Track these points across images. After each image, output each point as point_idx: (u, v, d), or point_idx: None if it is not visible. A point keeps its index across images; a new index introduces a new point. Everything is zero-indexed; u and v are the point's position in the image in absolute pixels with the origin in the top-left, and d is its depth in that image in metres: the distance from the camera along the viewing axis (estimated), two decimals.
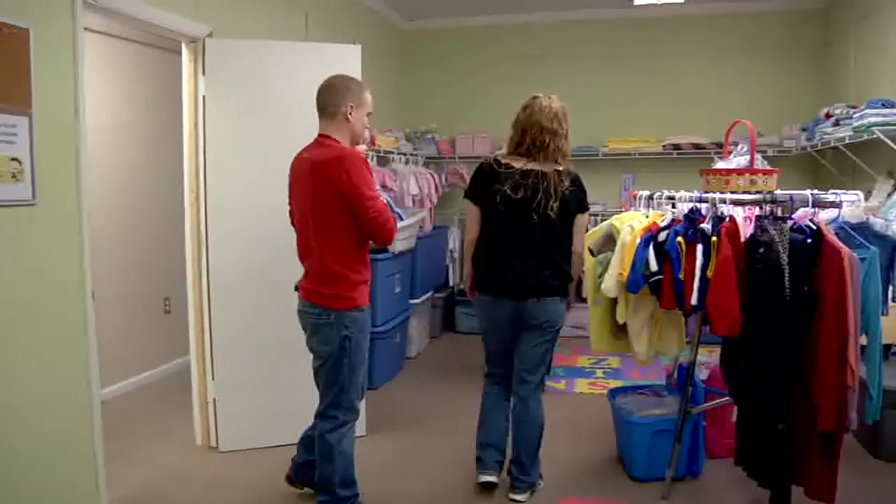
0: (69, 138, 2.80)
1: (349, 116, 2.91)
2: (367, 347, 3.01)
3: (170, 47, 4.80)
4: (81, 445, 2.91)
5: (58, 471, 2.78)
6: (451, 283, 6.72)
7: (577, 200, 3.14)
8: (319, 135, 2.93)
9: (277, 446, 3.86)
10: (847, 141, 4.84)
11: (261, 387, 3.84)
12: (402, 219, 5.01)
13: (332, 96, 2.91)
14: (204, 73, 3.67)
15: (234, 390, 3.81)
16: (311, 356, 3.01)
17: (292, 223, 3.07)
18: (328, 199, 2.77)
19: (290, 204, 3.05)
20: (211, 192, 3.71)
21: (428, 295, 6.18)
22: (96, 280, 3.03)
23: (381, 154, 5.77)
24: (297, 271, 3.77)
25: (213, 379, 3.83)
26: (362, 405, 3.98)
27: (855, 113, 4.71)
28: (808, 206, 2.85)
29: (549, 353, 3.35)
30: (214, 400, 3.83)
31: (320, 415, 2.99)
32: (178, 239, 3.99)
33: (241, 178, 3.74)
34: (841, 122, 4.97)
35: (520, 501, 3.25)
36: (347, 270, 2.84)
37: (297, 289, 3.02)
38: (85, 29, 2.96)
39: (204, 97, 3.68)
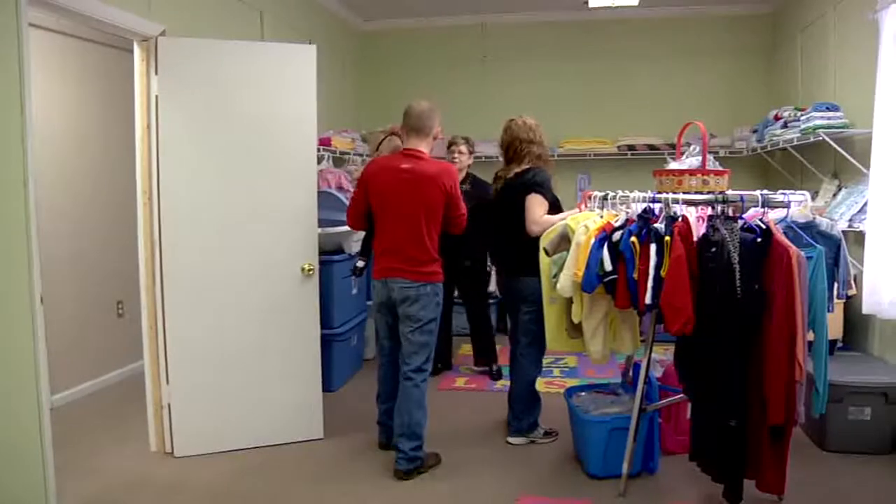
0: (14, 138, 2.72)
1: (435, 136, 3.67)
2: None
3: (122, 45, 4.71)
4: (29, 455, 2.82)
5: (3, 483, 2.69)
6: None
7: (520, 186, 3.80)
8: (413, 150, 3.58)
9: (234, 451, 3.82)
10: (795, 142, 4.96)
11: (217, 390, 3.80)
12: None
13: (428, 119, 3.60)
14: (157, 73, 3.61)
15: (189, 394, 3.76)
16: (384, 330, 3.73)
17: (355, 220, 3.76)
18: (438, 201, 3.54)
19: (362, 203, 3.66)
20: (164, 193, 3.65)
21: None
22: (45, 283, 2.96)
23: (338, 155, 5.73)
24: (255, 271, 3.78)
25: (167, 383, 3.77)
26: (319, 409, 4.00)
27: (802, 115, 4.83)
28: (758, 206, 2.90)
29: (535, 323, 3.78)
30: (169, 405, 3.77)
31: (414, 370, 3.58)
32: (130, 241, 3.91)
33: (195, 179, 3.69)
34: (789, 124, 5.09)
35: (513, 443, 3.96)
36: (437, 254, 3.60)
37: (358, 273, 3.84)
38: (30, 25, 2.88)
39: (157, 97, 3.62)
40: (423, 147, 3.60)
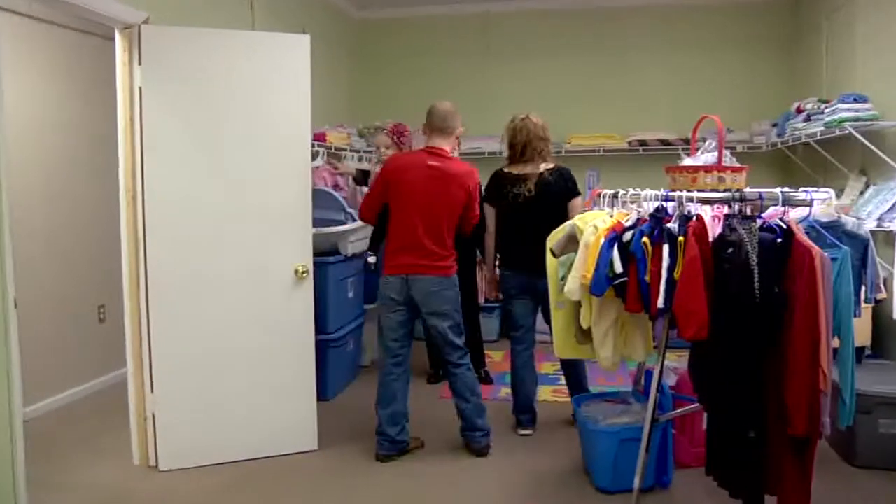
0: None
1: (457, 136, 4.01)
2: None
3: (102, 33, 4.69)
4: (0, 470, 2.80)
5: None
6: None
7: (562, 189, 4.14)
8: (437, 148, 3.86)
9: (223, 464, 3.80)
10: (818, 137, 4.92)
11: (205, 399, 3.78)
12: (354, 220, 5.00)
13: (452, 119, 3.91)
14: (140, 63, 3.59)
15: (175, 404, 3.74)
16: (394, 329, 3.89)
17: (371, 214, 3.95)
18: (460, 200, 3.84)
19: (381, 197, 3.86)
20: (149, 191, 3.64)
21: None
22: (20, 286, 2.94)
23: (333, 151, 5.72)
24: (245, 274, 3.77)
25: (152, 392, 3.75)
26: (314, 418, 3.98)
27: (826, 108, 4.79)
28: (778, 204, 2.86)
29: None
30: (153, 415, 3.76)
31: (460, 358, 3.94)
32: (113, 242, 3.90)
33: (181, 175, 3.68)
34: (812, 118, 5.05)
35: (529, 434, 4.23)
36: (454, 250, 3.90)
37: (374, 269, 4.07)
38: (1, 9, 2.86)
39: (140, 89, 3.60)
40: (447, 146, 3.89)
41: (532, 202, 4.08)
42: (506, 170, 4.20)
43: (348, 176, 5.59)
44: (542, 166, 4.13)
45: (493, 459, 3.91)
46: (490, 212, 4.31)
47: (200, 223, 3.72)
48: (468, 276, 5.35)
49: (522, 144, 4.14)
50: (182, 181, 3.68)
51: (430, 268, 3.79)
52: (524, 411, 4.26)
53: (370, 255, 3.92)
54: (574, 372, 4.24)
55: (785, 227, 2.78)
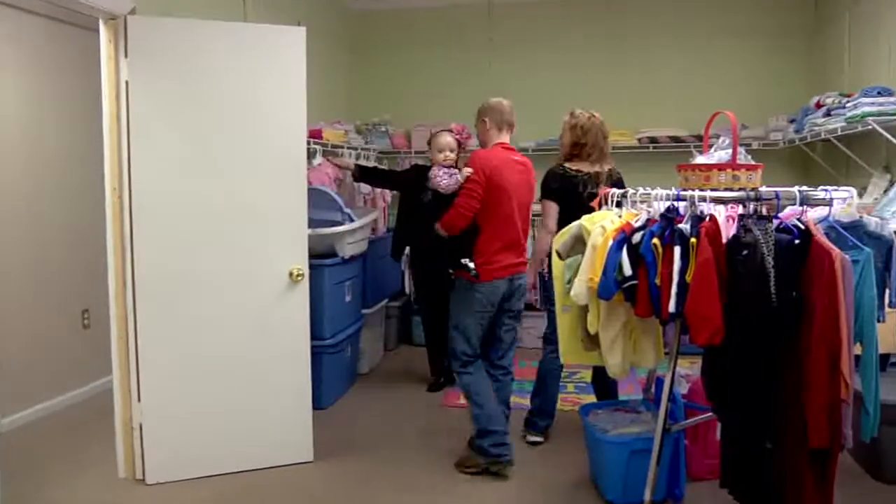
0: None
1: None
2: None
3: (86, 24, 4.67)
4: None
5: None
6: (407, 291, 6.67)
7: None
8: (508, 144, 4.02)
9: (214, 476, 3.79)
10: (839, 133, 4.89)
11: (195, 409, 3.78)
12: (352, 220, 5.01)
13: (514, 115, 4.05)
14: (126, 56, 3.58)
15: (163, 414, 3.73)
16: (480, 335, 3.94)
17: (474, 215, 3.85)
18: (534, 195, 4.08)
19: (483, 193, 3.82)
20: (136, 189, 3.63)
21: (382, 304, 6.16)
22: None
23: (329, 149, 5.71)
24: (237, 277, 3.77)
25: (139, 401, 3.74)
26: (309, 428, 3.96)
27: (848, 102, 4.75)
28: (795, 204, 2.84)
29: None
30: (141, 425, 3.75)
31: (510, 366, 4.11)
32: (98, 243, 3.87)
33: (170, 173, 3.67)
34: (833, 112, 5.02)
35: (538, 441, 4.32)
36: None
37: (474, 271, 3.84)
38: None
39: (127, 83, 3.59)
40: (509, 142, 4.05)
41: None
42: (571, 168, 4.20)
43: (346, 171, 5.55)
44: (607, 166, 4.23)
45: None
46: (553, 210, 4.22)
47: (190, 223, 3.71)
48: None
49: (593, 143, 4.20)
50: (171, 179, 3.67)
51: (524, 265, 4.02)
52: (547, 416, 4.35)
53: (469, 261, 3.79)
54: (603, 377, 4.15)
55: (803, 227, 2.75)
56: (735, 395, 2.82)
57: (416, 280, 5.57)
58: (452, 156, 4.53)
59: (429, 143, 4.68)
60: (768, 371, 2.70)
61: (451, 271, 3.96)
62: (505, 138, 4.01)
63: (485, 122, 4.02)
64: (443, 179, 4.06)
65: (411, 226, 5.26)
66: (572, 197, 4.09)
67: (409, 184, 5.34)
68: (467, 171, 3.86)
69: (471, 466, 3.88)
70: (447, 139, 4.60)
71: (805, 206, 2.86)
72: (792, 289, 2.65)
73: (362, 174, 5.41)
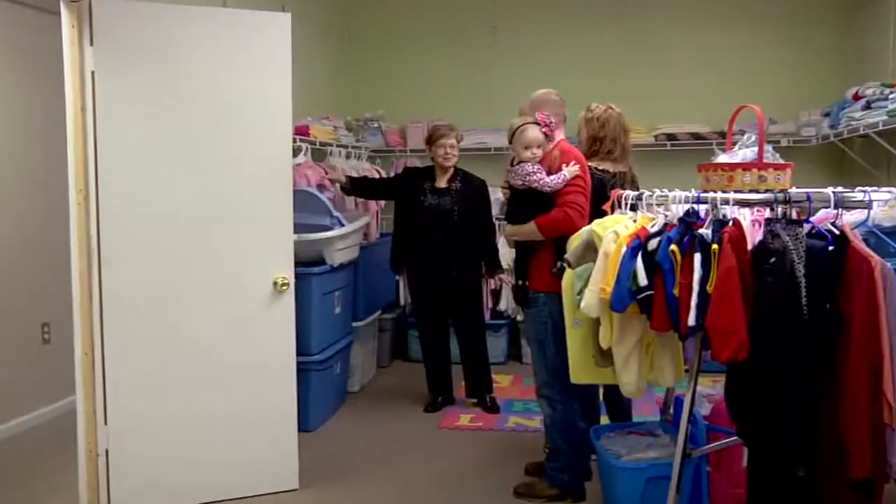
0: None
1: None
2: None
3: (46, 6, 4.64)
4: None
5: None
6: (401, 302, 6.67)
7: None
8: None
9: None
10: (881, 127, 4.89)
11: (167, 432, 3.76)
12: (342, 224, 5.01)
13: None
14: (92, 43, 3.56)
15: (132, 438, 3.71)
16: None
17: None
18: None
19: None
20: (105, 190, 3.62)
21: (374, 316, 6.16)
22: None
23: (317, 146, 5.71)
24: (216, 287, 3.78)
25: (105, 424, 3.71)
26: (294, 453, 3.94)
27: (892, 93, 4.74)
28: (829, 206, 2.84)
29: None
30: (107, 451, 3.72)
31: None
32: (61, 249, 3.87)
33: (142, 174, 3.67)
34: (873, 105, 5.02)
35: None
36: None
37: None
38: None
39: (93, 73, 3.57)
40: None
41: None
42: (597, 167, 4.14)
43: (336, 184, 5.56)
44: (630, 166, 4.23)
45: (503, 499, 3.89)
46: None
47: (164, 228, 3.70)
48: (474, 290, 5.34)
49: (613, 136, 4.19)
50: (143, 179, 3.66)
51: None
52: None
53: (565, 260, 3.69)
54: (617, 396, 4.15)
55: (838, 233, 2.74)
56: (762, 418, 2.79)
57: (413, 289, 5.55)
58: (539, 152, 4.00)
59: (510, 139, 4.28)
60: (800, 391, 2.68)
61: (522, 282, 3.91)
62: (562, 135, 3.99)
63: (552, 114, 3.97)
64: (546, 177, 3.82)
65: (410, 231, 5.26)
66: (603, 200, 3.90)
67: (404, 188, 5.35)
68: (573, 168, 3.78)
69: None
70: (536, 133, 4.01)
71: (840, 209, 2.86)
72: (826, 300, 2.64)
73: (354, 187, 5.42)
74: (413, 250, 5.35)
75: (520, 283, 3.94)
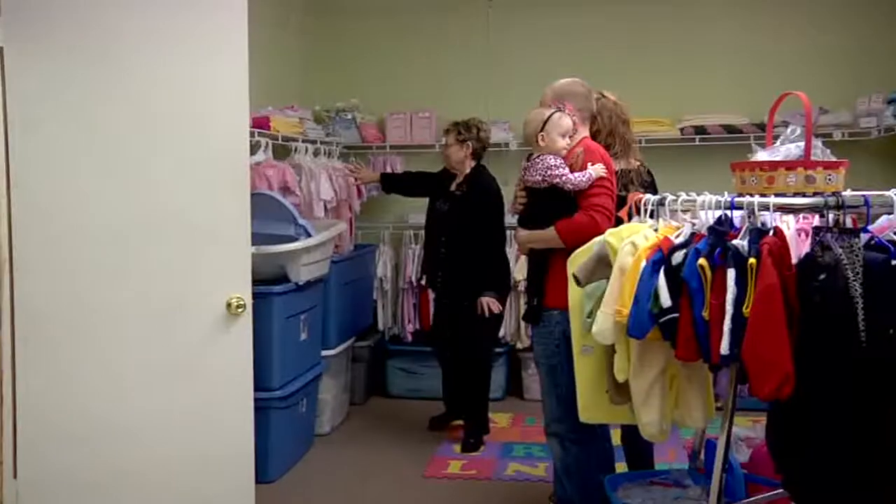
0: None
1: None
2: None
3: None
4: None
5: None
6: (380, 327, 6.67)
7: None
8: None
9: None
10: None
11: (94, 488, 3.70)
12: (309, 234, 5.02)
13: None
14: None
15: (50, 492, 3.68)
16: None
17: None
18: None
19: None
20: (20, 193, 3.60)
21: (347, 344, 6.18)
22: None
23: (280, 143, 5.73)
24: (158, 307, 3.75)
25: (14, 478, 3.69)
26: None
27: None
28: (893, 212, 2.84)
29: None
30: None
31: None
32: None
33: (68, 172, 3.63)
34: None
35: None
36: None
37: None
38: None
39: (2, 49, 3.55)
40: None
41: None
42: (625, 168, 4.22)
43: (371, 185, 5.71)
44: (635, 162, 4.27)
45: None
46: None
47: (93, 238, 3.66)
48: (468, 311, 5.35)
49: (609, 129, 4.24)
50: (68, 179, 3.63)
51: None
52: None
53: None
54: (636, 438, 4.00)
55: None
56: (813, 465, 2.79)
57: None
58: (566, 142, 4.06)
59: (544, 125, 4.26)
60: (858, 433, 2.67)
61: (537, 301, 3.90)
62: (587, 132, 4.03)
63: (575, 107, 4.00)
64: (571, 174, 3.83)
65: (425, 239, 5.68)
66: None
67: (437, 188, 5.54)
68: (599, 167, 3.78)
69: None
70: (564, 121, 4.05)
71: None
72: (888, 325, 2.62)
73: (390, 184, 5.55)
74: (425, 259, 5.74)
75: (534, 302, 3.91)
